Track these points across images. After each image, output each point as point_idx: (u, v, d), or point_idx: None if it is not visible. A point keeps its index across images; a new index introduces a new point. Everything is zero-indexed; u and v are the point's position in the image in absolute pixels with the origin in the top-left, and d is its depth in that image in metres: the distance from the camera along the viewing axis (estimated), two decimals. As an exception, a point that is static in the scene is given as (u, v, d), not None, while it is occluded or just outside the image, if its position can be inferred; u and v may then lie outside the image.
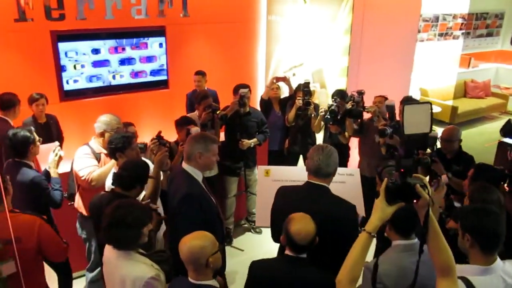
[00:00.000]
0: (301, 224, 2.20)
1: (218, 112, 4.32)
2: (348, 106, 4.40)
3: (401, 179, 1.63)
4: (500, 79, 10.55)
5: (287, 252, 2.27)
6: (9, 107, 4.18)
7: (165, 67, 6.33)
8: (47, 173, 3.33)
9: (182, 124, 3.96)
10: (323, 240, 2.27)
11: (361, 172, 3.99)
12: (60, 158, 3.45)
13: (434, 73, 9.20)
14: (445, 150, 3.99)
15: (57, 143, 3.68)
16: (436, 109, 8.74)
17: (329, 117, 4.59)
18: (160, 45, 6.21)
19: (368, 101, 4.63)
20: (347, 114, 4.42)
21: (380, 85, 5.65)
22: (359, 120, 4.61)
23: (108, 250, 2.36)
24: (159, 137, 3.86)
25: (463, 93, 9.78)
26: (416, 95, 8.68)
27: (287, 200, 2.63)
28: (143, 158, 3.38)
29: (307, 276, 2.21)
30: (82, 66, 5.71)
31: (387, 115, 4.00)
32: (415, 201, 1.63)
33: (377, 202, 1.72)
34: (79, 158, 3.44)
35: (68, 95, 5.69)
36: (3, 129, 4.06)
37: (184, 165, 2.80)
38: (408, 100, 4.16)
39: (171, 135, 4.27)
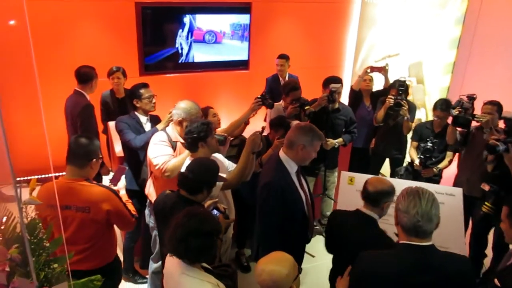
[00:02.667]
0: (377, 180, 2.50)
1: (306, 108, 3.90)
2: (455, 112, 3.75)
3: None
4: None
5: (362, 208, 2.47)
6: (87, 81, 4.08)
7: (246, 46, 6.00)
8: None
9: (278, 125, 3.64)
10: None
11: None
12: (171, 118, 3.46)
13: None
14: None
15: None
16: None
17: (422, 157, 4.05)
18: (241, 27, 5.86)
19: (475, 105, 3.93)
20: (452, 122, 3.78)
21: (489, 86, 4.86)
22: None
23: (171, 263, 2.13)
24: (263, 97, 3.71)
25: None
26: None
27: (384, 275, 1.94)
28: (216, 156, 3.09)
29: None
30: (165, 41, 5.56)
31: (504, 128, 3.34)
32: None
33: None
34: (155, 145, 3.20)
35: (148, 70, 5.58)
36: (79, 102, 4.00)
37: (281, 154, 2.68)
38: None
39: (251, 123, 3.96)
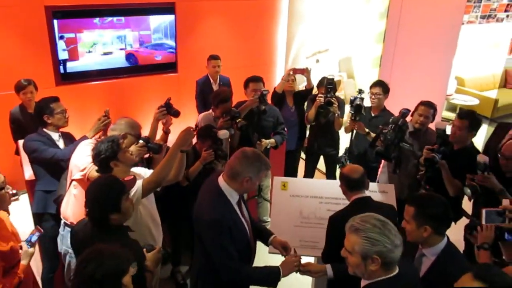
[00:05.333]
0: (353, 167, 2.71)
1: (238, 121, 3.66)
2: (377, 146, 3.61)
3: None
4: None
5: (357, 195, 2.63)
6: None
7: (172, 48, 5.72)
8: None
9: (205, 135, 3.38)
10: None
11: None
12: (106, 125, 3.31)
13: (472, 60, 8.31)
14: (505, 168, 3.09)
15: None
16: (473, 101, 7.94)
17: (352, 112, 3.97)
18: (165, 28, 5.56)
19: (405, 100, 3.91)
20: (375, 155, 3.66)
21: (416, 78, 4.94)
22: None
23: None
24: (167, 105, 3.45)
25: (503, 83, 8.87)
26: (452, 85, 7.87)
27: None
28: (136, 170, 2.82)
29: None
30: (81, 46, 5.14)
31: (435, 138, 3.30)
32: None
33: None
34: (84, 147, 2.95)
35: (66, 79, 5.15)
36: None
37: (222, 183, 2.34)
38: (472, 113, 3.35)
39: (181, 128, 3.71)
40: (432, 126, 3.62)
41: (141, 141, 2.99)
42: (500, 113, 7.93)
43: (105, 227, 2.23)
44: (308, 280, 3.47)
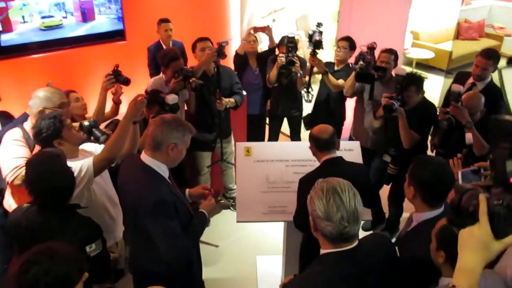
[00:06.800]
0: (322, 127, 2.60)
1: (191, 80, 3.40)
2: (357, 67, 3.64)
3: None
4: (494, 18, 9.71)
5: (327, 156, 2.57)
6: None
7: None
8: None
9: (151, 101, 3.09)
10: None
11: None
12: None
13: (426, 13, 8.33)
14: None
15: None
16: (429, 54, 8.01)
17: (312, 48, 3.94)
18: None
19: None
20: (356, 78, 3.64)
21: (374, 31, 4.84)
22: None
23: None
24: (115, 72, 3.24)
25: (456, 35, 9.00)
26: (408, 39, 7.88)
27: None
28: (86, 147, 2.61)
29: None
30: (14, 16, 4.66)
31: (395, 85, 3.33)
32: None
33: (475, 237, 1.18)
34: (7, 144, 2.64)
35: (1, 53, 4.67)
36: None
37: (146, 158, 2.14)
38: (413, 77, 3.38)
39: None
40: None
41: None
42: (455, 65, 8.07)
43: (59, 206, 2.05)
44: (279, 241, 3.45)
